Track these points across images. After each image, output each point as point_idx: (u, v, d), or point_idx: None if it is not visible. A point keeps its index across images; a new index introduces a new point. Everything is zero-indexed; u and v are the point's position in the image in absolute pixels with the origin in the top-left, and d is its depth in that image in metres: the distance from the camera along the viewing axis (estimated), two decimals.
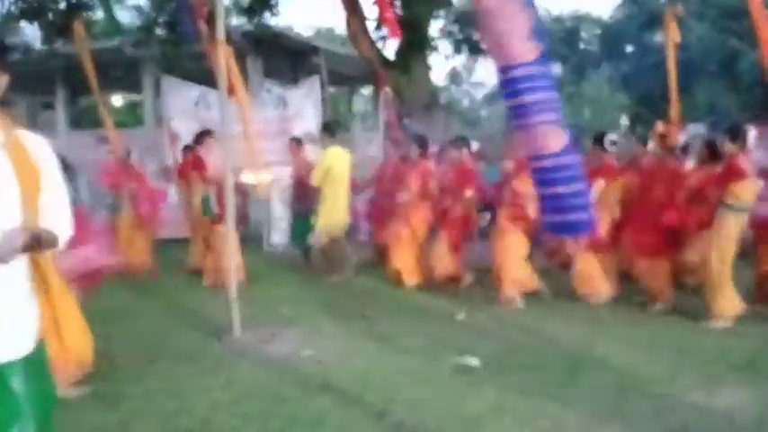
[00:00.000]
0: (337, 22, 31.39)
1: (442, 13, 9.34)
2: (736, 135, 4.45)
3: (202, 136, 6.16)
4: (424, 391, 3.29)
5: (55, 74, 15.49)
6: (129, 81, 16.50)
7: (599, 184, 4.97)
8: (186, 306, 5.32)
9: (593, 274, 5.13)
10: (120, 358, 3.92)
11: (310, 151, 7.64)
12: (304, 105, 8.48)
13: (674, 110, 5.45)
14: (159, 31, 8.65)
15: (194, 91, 8.37)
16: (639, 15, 20.87)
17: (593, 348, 4.03)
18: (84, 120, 17.56)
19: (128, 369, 3.73)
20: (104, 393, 3.32)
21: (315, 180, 6.09)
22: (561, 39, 23.84)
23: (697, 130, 10.43)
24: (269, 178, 6.61)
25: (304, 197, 6.51)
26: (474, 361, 3.73)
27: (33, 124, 19.20)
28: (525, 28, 2.61)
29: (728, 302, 4.43)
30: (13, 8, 7.23)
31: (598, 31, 24.63)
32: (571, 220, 3.26)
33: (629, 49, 24.37)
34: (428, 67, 9.59)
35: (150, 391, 3.35)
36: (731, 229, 4.38)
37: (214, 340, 4.27)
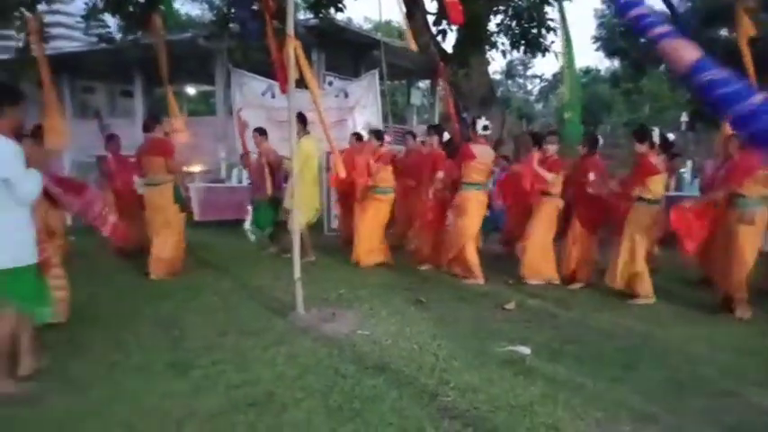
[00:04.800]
0: (395, 15, 31.57)
1: (501, 8, 9.22)
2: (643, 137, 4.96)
3: (152, 122, 6.02)
4: (474, 377, 3.36)
5: (134, 64, 16.48)
6: (203, 73, 17.40)
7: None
8: (252, 284, 5.56)
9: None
10: (191, 330, 4.19)
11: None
12: (364, 97, 8.65)
13: None
14: (231, 25, 9.00)
15: (261, 82, 8.72)
16: (703, 9, 19.79)
17: (650, 344, 4.01)
18: (160, 108, 18.50)
19: (198, 340, 3.97)
20: (176, 362, 3.56)
21: (295, 166, 6.30)
22: (621, 33, 22.93)
23: None
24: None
25: (266, 185, 6.86)
26: (525, 350, 3.77)
27: (113, 111, 20.49)
28: None
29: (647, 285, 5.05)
30: (98, 1, 7.77)
31: None
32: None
33: None
34: (486, 62, 9.54)
35: (218, 362, 3.55)
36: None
37: (278, 317, 4.48)
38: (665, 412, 2.95)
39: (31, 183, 3.14)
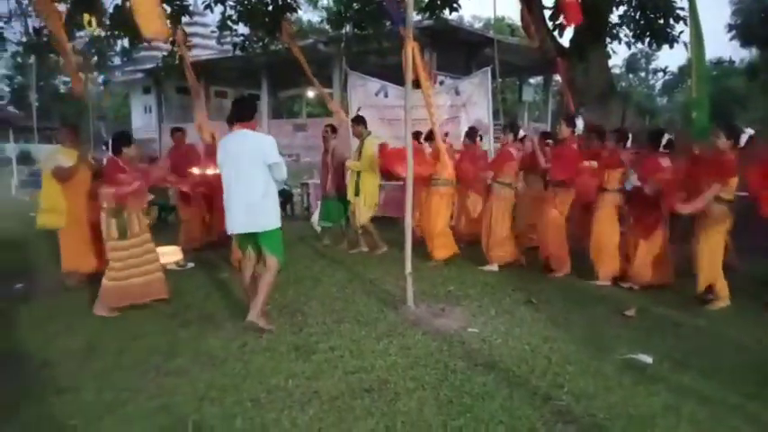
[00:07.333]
0: (507, 11, 30.88)
1: None
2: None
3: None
4: (590, 383, 3.26)
5: (260, 69, 17.75)
6: (321, 76, 18.31)
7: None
8: (365, 277, 5.80)
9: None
10: (312, 316, 4.48)
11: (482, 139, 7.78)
12: (475, 94, 8.61)
13: None
14: (348, 29, 9.35)
15: (375, 83, 9.01)
16: None
17: None
18: (282, 110, 19.80)
19: (318, 326, 4.24)
20: (299, 345, 3.84)
21: (359, 165, 6.57)
22: (762, 18, 20.44)
23: None
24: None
25: (335, 182, 7.02)
26: (646, 358, 3.61)
27: None
28: None
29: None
30: (232, 12, 8.46)
31: None
32: None
33: None
34: (607, 55, 9.07)
35: (336, 348, 3.78)
36: None
37: (390, 309, 4.65)
38: None
39: (285, 167, 4.05)
